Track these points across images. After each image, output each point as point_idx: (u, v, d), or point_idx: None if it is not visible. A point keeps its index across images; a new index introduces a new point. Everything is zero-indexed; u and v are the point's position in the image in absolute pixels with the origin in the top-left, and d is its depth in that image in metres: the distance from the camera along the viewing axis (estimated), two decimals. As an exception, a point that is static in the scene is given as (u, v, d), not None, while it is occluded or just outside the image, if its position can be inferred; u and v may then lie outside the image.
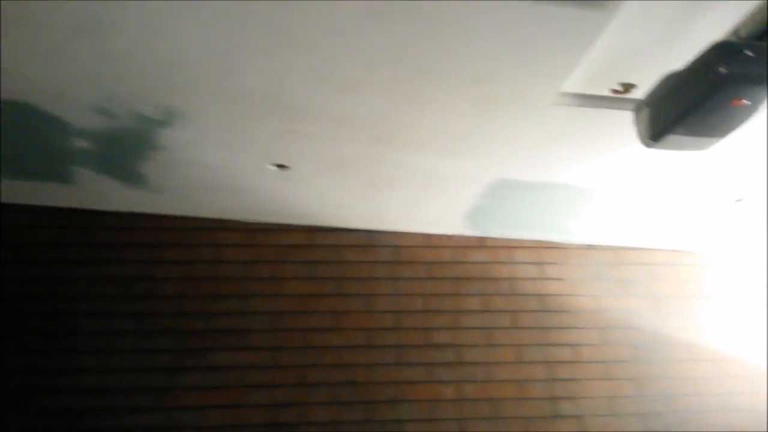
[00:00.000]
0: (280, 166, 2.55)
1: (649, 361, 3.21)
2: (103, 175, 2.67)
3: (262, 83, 1.91)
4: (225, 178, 2.68)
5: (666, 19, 1.63)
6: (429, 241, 3.28)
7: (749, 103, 1.41)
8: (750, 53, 1.37)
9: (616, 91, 1.94)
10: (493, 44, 1.68)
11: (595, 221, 3.10)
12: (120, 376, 2.83)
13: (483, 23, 1.58)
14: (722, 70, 1.36)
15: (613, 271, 3.37)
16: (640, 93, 1.81)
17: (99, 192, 2.84)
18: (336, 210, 3.01)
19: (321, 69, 1.82)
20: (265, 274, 3.09)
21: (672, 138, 1.57)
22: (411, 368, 3.05)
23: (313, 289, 3.10)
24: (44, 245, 2.97)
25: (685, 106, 1.47)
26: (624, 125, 1.84)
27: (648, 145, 1.65)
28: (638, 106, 1.68)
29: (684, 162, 2.49)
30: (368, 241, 3.23)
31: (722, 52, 1.40)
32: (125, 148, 2.42)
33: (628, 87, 1.91)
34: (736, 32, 1.54)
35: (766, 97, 1.41)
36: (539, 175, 2.62)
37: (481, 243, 3.31)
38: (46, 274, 2.92)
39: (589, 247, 3.38)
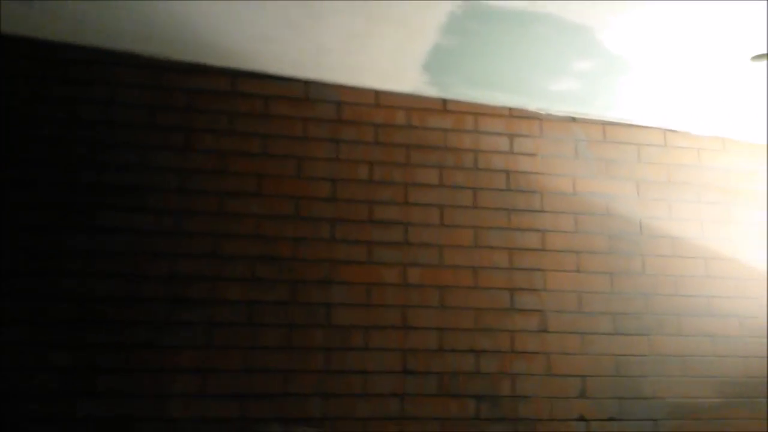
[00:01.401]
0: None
1: (626, 255, 2.77)
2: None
3: None
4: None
5: None
6: (379, 100, 2.70)
7: None
8: None
9: None
10: None
11: (583, 85, 2.55)
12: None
13: None
14: None
15: (596, 150, 2.86)
16: None
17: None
18: (262, 45, 2.39)
19: None
20: (172, 122, 2.51)
21: None
22: (348, 246, 2.56)
23: (233, 146, 2.54)
24: None
25: None
26: None
27: None
28: None
29: (700, 12, 1.93)
30: (305, 93, 2.64)
31: None
32: None
33: None
34: None
35: None
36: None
37: (443, 107, 2.75)
38: None
39: (572, 120, 2.85)
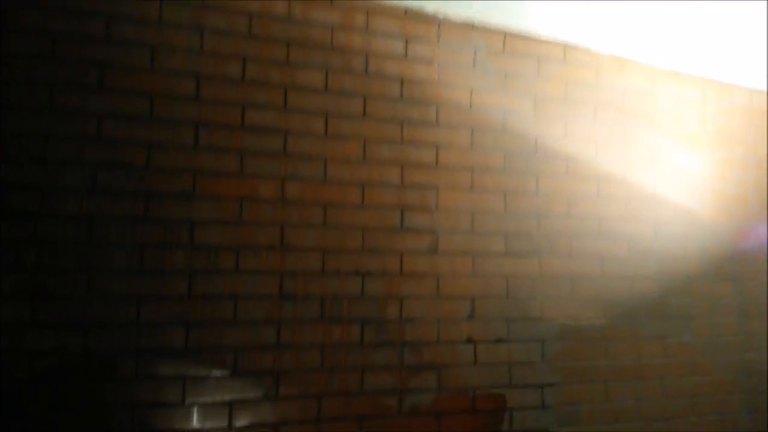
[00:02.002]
0: None
1: (521, 173, 2.64)
2: None
3: None
4: None
5: None
6: (255, -16, 2.32)
7: None
8: None
9: None
10: None
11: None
12: None
13: None
14: None
15: (496, 61, 2.66)
16: None
17: None
18: None
19: None
20: (-18, -11, 1.98)
21: None
22: (216, 154, 2.20)
23: (68, 26, 2.06)
24: None
25: None
26: None
27: None
28: None
29: None
30: (162, -32, 2.19)
31: None
32: None
33: None
34: None
35: None
36: None
37: None
38: None
39: (472, 27, 2.62)
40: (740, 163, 3.11)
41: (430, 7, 2.51)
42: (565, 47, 2.77)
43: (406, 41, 2.50)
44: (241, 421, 2.10)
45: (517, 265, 2.56)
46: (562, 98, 2.75)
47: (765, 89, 3.22)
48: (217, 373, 2.09)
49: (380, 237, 2.37)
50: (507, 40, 2.67)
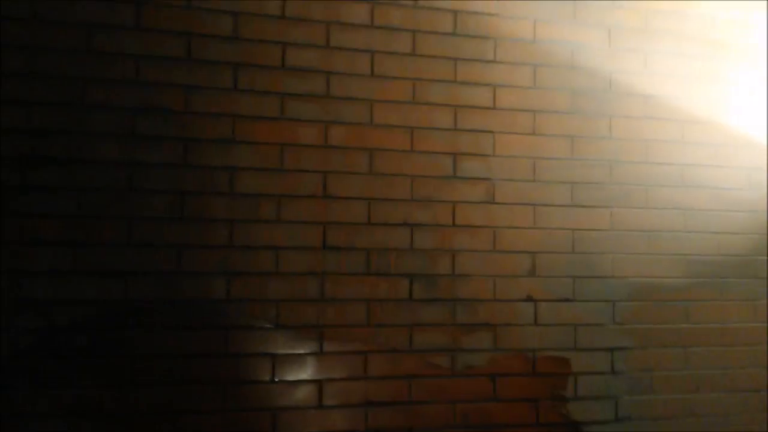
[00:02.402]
0: None
1: (591, 115, 2.35)
2: None
3: None
4: None
5: None
6: None
7: None
8: None
9: None
10: None
11: None
12: None
13: None
14: None
15: (563, -12, 2.37)
16: None
17: None
18: None
19: None
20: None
21: None
22: (254, 97, 2.08)
23: (102, -36, 1.98)
24: None
25: None
26: None
27: None
28: None
29: None
30: None
31: None
32: None
33: None
34: None
35: None
36: None
37: (376, -73, 2.20)
38: None
39: (534, -50, 2.34)
40: None
41: (487, -70, 2.25)
42: (646, -30, 2.43)
43: (461, -31, 2.26)
44: (284, 376, 2.02)
45: (584, 217, 2.31)
46: (641, 29, 2.42)
47: None
48: (259, 324, 2.02)
49: (431, 185, 2.19)
50: (576, -36, 2.37)
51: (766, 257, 2.48)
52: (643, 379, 2.32)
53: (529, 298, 2.23)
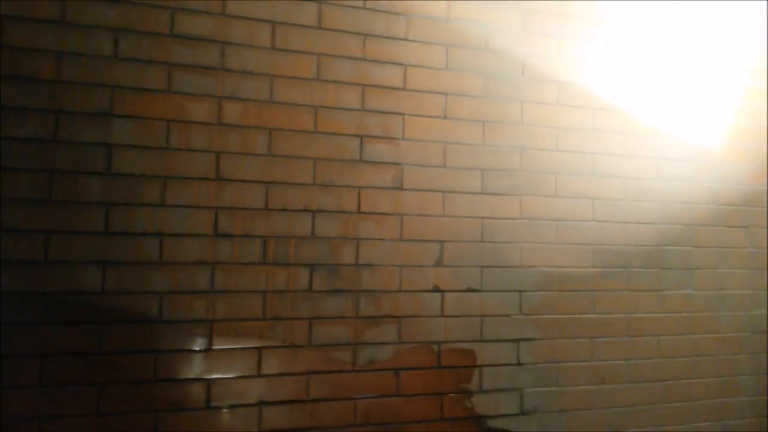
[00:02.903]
0: None
1: (503, 100, 2.28)
2: None
3: None
4: None
5: None
6: None
7: None
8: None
9: None
10: None
11: None
12: None
13: None
14: None
15: (478, -34, 2.27)
16: None
17: None
18: None
19: None
20: None
21: None
22: (138, 67, 1.87)
23: None
24: None
25: None
26: None
27: None
28: None
29: None
30: None
31: None
32: None
33: None
34: None
35: None
36: None
37: None
38: None
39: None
40: (759, 94, 2.72)
41: None
42: (562, -47, 2.37)
43: (371, -61, 2.12)
44: (168, 375, 1.84)
45: (494, 205, 2.24)
46: (555, 12, 2.36)
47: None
48: (139, 319, 1.83)
49: (335, 169, 2.06)
50: (492, -58, 2.28)
51: (673, 248, 2.51)
52: (549, 371, 2.29)
53: (436, 289, 2.14)
